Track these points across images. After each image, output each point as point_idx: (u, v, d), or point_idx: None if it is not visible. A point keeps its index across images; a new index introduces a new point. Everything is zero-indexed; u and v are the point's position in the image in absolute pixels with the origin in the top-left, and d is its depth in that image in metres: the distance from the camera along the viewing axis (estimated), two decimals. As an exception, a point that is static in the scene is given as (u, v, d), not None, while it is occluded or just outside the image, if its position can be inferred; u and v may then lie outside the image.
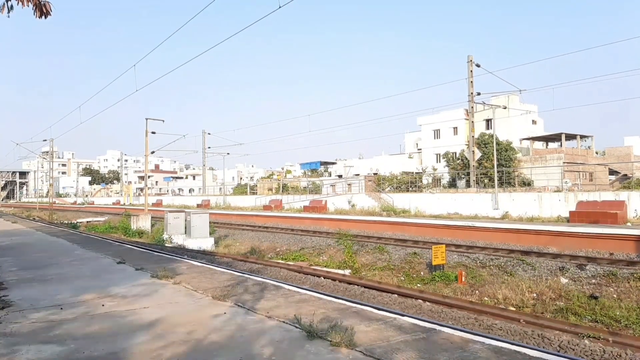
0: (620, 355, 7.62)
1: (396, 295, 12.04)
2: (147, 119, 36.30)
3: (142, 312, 6.78)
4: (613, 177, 47.36)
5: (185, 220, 24.88)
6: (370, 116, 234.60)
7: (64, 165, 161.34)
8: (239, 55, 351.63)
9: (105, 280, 9.44)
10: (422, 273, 15.82)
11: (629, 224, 21.07)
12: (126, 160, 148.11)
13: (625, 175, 44.31)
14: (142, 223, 31.94)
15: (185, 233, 24.49)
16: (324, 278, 14.29)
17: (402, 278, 15.53)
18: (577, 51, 48.82)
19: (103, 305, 7.27)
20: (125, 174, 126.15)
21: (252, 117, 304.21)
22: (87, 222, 44.47)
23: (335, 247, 20.16)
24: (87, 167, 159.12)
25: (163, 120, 37.95)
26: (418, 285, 14.39)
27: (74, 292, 8.24)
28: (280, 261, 18.61)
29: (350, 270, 16.46)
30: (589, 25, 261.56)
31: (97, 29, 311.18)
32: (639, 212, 22.69)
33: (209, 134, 65.62)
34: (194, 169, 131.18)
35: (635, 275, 13.04)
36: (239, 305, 7.12)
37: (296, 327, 5.79)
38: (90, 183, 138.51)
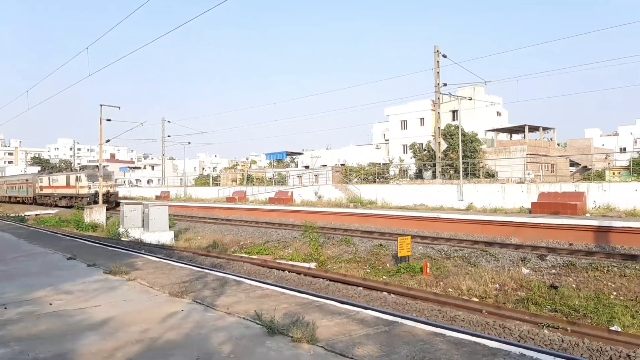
0: (577, 345, 7.74)
1: (361, 288, 12.02)
2: (101, 106, 35.26)
3: (93, 311, 6.53)
4: (574, 169, 48.60)
5: (143, 213, 24.14)
6: (338, 106, 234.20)
7: (10, 154, 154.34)
8: (200, 40, 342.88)
9: (54, 278, 9.06)
10: (387, 265, 15.85)
11: (588, 214, 21.59)
12: (79, 149, 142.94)
13: (585, 166, 45.55)
14: (96, 216, 30.92)
15: (143, 226, 23.81)
16: (289, 272, 14.18)
17: (368, 270, 15.54)
18: (541, 43, 49.98)
19: (51, 304, 6.96)
20: (78, 164, 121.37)
21: (214, 104, 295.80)
22: (36, 215, 41.67)
23: (301, 239, 20.02)
24: (36, 156, 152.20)
25: (119, 107, 36.52)
26: (384, 277, 14.42)
27: (20, 291, 7.87)
28: (243, 255, 18.39)
29: (315, 263, 16.37)
30: (555, 18, 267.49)
31: (47, 7, 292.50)
32: (597, 203, 23.27)
33: (168, 121, 63.75)
34: (152, 158, 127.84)
35: (593, 265, 13.35)
36: (197, 302, 6.96)
37: (257, 323, 5.73)
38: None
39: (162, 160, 70.41)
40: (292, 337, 5.15)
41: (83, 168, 49.68)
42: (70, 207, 42.57)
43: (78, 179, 45.40)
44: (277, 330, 5.38)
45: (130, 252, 13.90)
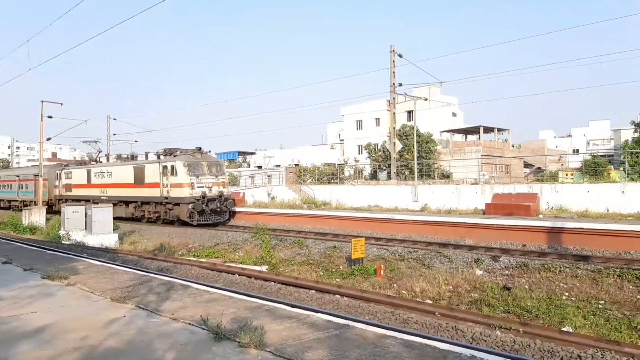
0: (529, 346, 7.79)
1: (314, 291, 11.84)
2: (42, 102, 34.28)
3: (28, 318, 6.20)
4: (528, 170, 49.91)
5: (86, 215, 23.15)
6: (292, 105, 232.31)
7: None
8: (148, 33, 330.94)
9: (-14, 283, 8.54)
10: (341, 267, 15.74)
11: (541, 215, 22.07)
12: (18, 148, 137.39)
13: (539, 168, 46.93)
14: (36, 218, 29.58)
15: (86, 229, 22.87)
16: (239, 275, 13.88)
17: (321, 273, 15.36)
18: (498, 44, 51.23)
19: (-19, 311, 6.55)
20: (17, 163, 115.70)
21: (163, 101, 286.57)
22: None
23: (253, 242, 19.68)
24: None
25: (61, 104, 35.69)
26: (337, 280, 14.28)
27: (-52, 298, 7.37)
28: (192, 258, 17.95)
29: (267, 266, 16.05)
30: (512, 18, 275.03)
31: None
32: (550, 204, 23.82)
33: (114, 119, 60.84)
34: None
35: (545, 266, 13.57)
36: (140, 307, 6.72)
37: (203, 329, 5.58)
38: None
39: (107, 159, 67.80)
40: (239, 342, 5.04)
41: (170, 152, 28.41)
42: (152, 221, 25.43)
43: (170, 171, 26.35)
44: (224, 335, 5.26)
45: (71, 255, 13.38)
